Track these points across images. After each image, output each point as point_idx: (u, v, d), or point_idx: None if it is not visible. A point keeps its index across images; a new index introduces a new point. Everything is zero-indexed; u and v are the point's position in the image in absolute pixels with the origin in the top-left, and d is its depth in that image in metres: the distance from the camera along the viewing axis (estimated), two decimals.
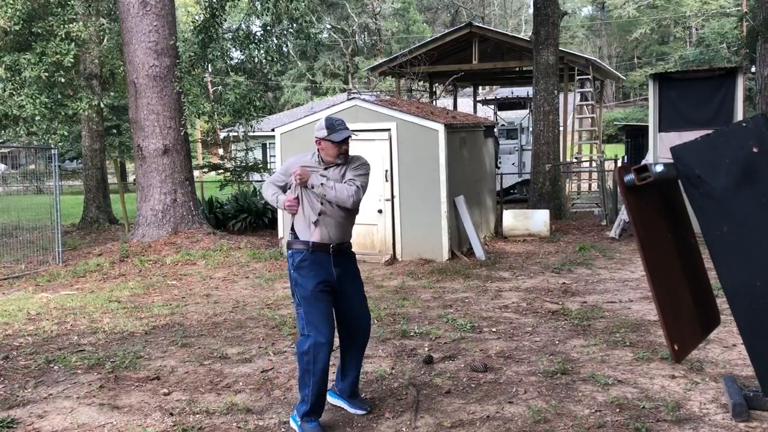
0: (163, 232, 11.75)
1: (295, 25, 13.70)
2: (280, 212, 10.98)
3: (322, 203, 4.29)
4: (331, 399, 4.61)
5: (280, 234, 11.02)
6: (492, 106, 23.19)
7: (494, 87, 35.33)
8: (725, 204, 3.80)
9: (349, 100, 10.89)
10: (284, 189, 4.50)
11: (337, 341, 4.43)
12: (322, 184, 4.24)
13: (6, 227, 12.86)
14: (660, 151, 11.19)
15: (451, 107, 22.25)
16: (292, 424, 4.34)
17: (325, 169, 4.35)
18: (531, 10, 31.94)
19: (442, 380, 5.08)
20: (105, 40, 15.71)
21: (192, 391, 5.05)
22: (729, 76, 11.23)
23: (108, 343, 6.35)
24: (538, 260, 10.02)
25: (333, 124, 4.30)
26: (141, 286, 9.06)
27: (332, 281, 4.28)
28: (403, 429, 4.29)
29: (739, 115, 10.93)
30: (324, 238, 4.30)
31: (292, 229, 4.38)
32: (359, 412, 4.53)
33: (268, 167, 22.45)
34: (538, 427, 4.23)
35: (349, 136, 4.33)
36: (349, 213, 4.39)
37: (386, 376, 5.21)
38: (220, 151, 23.15)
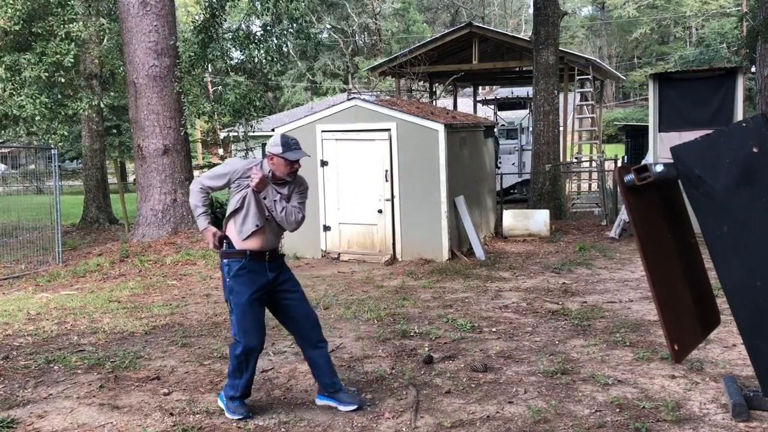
0: (163, 232, 11.75)
1: (295, 25, 13.71)
2: None
3: (269, 212, 4.44)
4: (319, 401, 4.69)
5: None
6: (492, 106, 23.19)
7: (494, 87, 35.33)
8: (725, 204, 3.80)
9: (349, 100, 10.89)
10: (211, 190, 4.57)
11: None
12: (275, 200, 4.42)
13: (6, 227, 12.87)
14: (660, 151, 11.19)
15: (451, 107, 22.25)
16: (219, 403, 4.63)
17: (276, 184, 4.47)
18: (531, 10, 31.94)
19: (442, 380, 5.08)
20: (105, 40, 15.73)
21: (192, 391, 5.05)
22: (729, 76, 11.22)
23: (108, 343, 6.35)
24: (538, 260, 10.02)
25: (288, 143, 4.40)
26: (141, 286, 9.06)
27: (268, 287, 4.46)
28: (403, 429, 4.29)
29: (739, 115, 10.93)
30: (263, 246, 4.44)
31: (227, 239, 4.47)
32: (349, 408, 4.56)
33: None
34: (538, 427, 4.23)
35: (300, 158, 4.43)
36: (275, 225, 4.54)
37: (386, 376, 5.21)
38: (220, 151, 23.17)
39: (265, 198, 4.41)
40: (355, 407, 4.56)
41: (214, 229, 4.51)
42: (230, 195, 4.50)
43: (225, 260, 4.45)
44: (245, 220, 4.40)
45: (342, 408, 4.57)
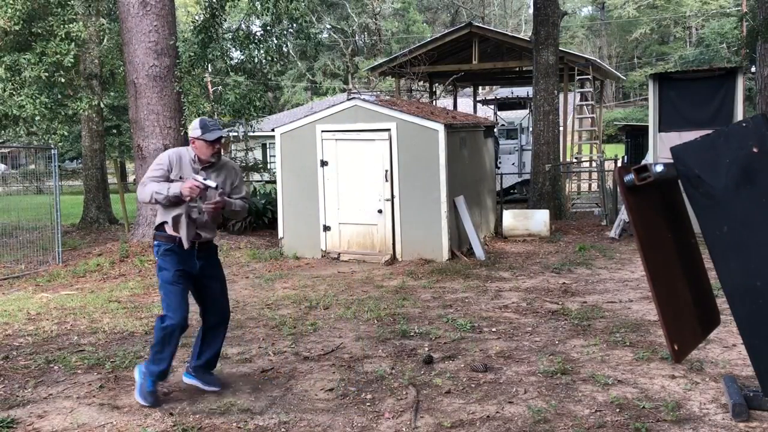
0: None
1: (295, 25, 13.71)
2: (280, 212, 10.98)
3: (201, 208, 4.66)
4: (186, 379, 5.03)
5: (281, 234, 11.02)
6: (492, 106, 23.19)
7: (494, 87, 35.33)
8: (725, 204, 3.80)
9: (349, 100, 10.89)
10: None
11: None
12: (228, 203, 4.69)
13: (6, 227, 12.87)
14: (660, 151, 11.19)
15: (451, 107, 22.25)
16: (136, 376, 4.80)
17: (204, 169, 4.68)
18: (531, 10, 31.93)
19: (442, 380, 5.08)
20: (105, 40, 15.72)
21: (192, 391, 5.05)
22: (729, 76, 11.22)
23: (108, 343, 6.35)
24: (538, 260, 10.02)
25: (206, 124, 4.62)
26: (141, 286, 9.06)
27: (194, 271, 4.74)
28: (403, 429, 4.29)
29: (739, 115, 10.93)
30: (192, 236, 4.68)
31: (161, 223, 4.70)
32: (213, 388, 4.94)
33: (268, 167, 22.44)
34: (538, 427, 4.23)
35: (222, 137, 4.68)
36: (216, 217, 4.80)
37: (386, 376, 5.21)
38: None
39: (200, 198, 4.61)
40: (218, 389, 4.94)
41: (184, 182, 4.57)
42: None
43: (156, 241, 4.73)
44: (176, 211, 4.61)
45: (205, 387, 4.94)
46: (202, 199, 4.61)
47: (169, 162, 4.64)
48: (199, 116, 12.61)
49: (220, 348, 5.06)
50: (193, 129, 4.63)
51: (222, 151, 4.73)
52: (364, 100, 10.95)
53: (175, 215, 4.60)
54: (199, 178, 4.55)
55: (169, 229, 4.65)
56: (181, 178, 4.60)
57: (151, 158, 11.82)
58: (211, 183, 4.55)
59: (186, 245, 4.61)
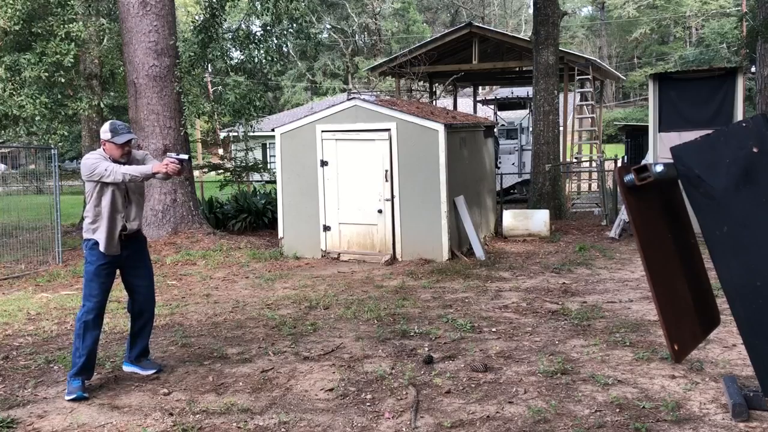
0: (163, 232, 11.75)
1: (295, 25, 13.70)
2: (280, 212, 10.98)
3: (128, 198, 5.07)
4: (125, 368, 5.41)
5: (281, 234, 11.02)
6: (492, 106, 23.19)
7: (494, 87, 35.33)
8: (725, 204, 3.80)
9: (349, 100, 10.89)
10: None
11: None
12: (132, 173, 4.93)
13: (6, 227, 12.86)
14: (660, 151, 11.19)
15: (451, 107, 22.25)
16: (68, 382, 5.00)
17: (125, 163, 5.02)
18: (531, 10, 31.93)
19: (442, 380, 5.08)
20: (105, 40, 15.71)
21: (192, 391, 5.05)
22: (729, 76, 11.22)
23: (108, 343, 6.35)
24: (538, 260, 10.02)
25: (116, 128, 4.97)
26: None
27: (119, 263, 5.10)
28: (403, 429, 4.29)
29: (739, 115, 10.93)
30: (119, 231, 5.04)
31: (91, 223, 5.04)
32: (150, 371, 5.33)
33: (268, 167, 22.44)
34: (538, 427, 4.23)
35: (131, 140, 5.01)
36: (142, 206, 5.23)
37: (386, 376, 5.21)
38: (220, 151, 23.17)
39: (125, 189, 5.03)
40: (155, 371, 5.33)
41: (159, 164, 4.94)
42: (86, 183, 5.03)
43: (87, 236, 5.06)
44: (102, 206, 4.97)
45: (143, 372, 5.31)
46: (180, 173, 4.99)
47: (102, 156, 4.98)
48: (199, 116, 12.66)
49: (149, 337, 5.44)
50: (104, 132, 4.97)
51: (131, 150, 5.07)
52: (364, 100, 10.95)
53: (106, 227, 4.95)
54: (173, 155, 4.91)
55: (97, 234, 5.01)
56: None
57: None
58: (184, 156, 4.91)
59: (107, 250, 4.97)
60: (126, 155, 5.02)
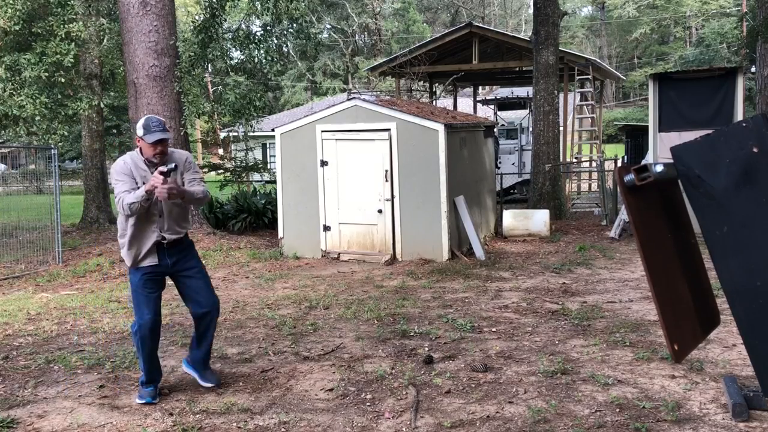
0: None
1: (295, 25, 13.71)
2: (280, 212, 10.98)
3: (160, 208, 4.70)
4: (185, 368, 5.16)
5: (281, 234, 11.02)
6: (492, 106, 23.19)
7: (494, 87, 35.33)
8: (725, 204, 3.80)
9: (349, 100, 10.89)
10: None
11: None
12: (189, 194, 4.66)
13: (6, 227, 12.86)
14: (660, 151, 11.19)
15: (451, 107, 22.24)
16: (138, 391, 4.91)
17: (154, 166, 4.61)
18: (531, 10, 31.93)
19: (442, 380, 5.08)
20: (105, 40, 15.71)
21: (192, 391, 5.05)
22: (729, 76, 11.22)
23: (108, 343, 6.35)
24: (538, 260, 10.02)
25: (149, 125, 4.56)
26: None
27: (166, 271, 4.82)
28: (403, 429, 4.29)
29: (739, 115, 10.93)
30: (159, 238, 4.75)
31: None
32: (209, 385, 5.02)
33: (268, 167, 22.44)
34: (538, 427, 4.23)
35: (162, 139, 4.56)
36: (183, 214, 4.84)
37: (386, 376, 5.21)
38: (220, 151, 23.17)
39: (181, 197, 4.61)
40: (212, 385, 5.02)
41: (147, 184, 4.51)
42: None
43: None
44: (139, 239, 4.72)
45: (201, 382, 5.03)
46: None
47: (126, 169, 4.63)
48: (199, 116, 12.66)
49: (212, 340, 5.10)
50: (138, 127, 4.62)
51: (166, 151, 4.68)
52: (364, 100, 10.95)
53: (132, 240, 4.71)
54: (159, 174, 4.50)
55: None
56: (144, 183, 4.58)
57: None
58: (170, 166, 4.51)
59: (135, 263, 4.77)
60: (159, 155, 4.61)
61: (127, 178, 4.60)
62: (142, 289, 4.75)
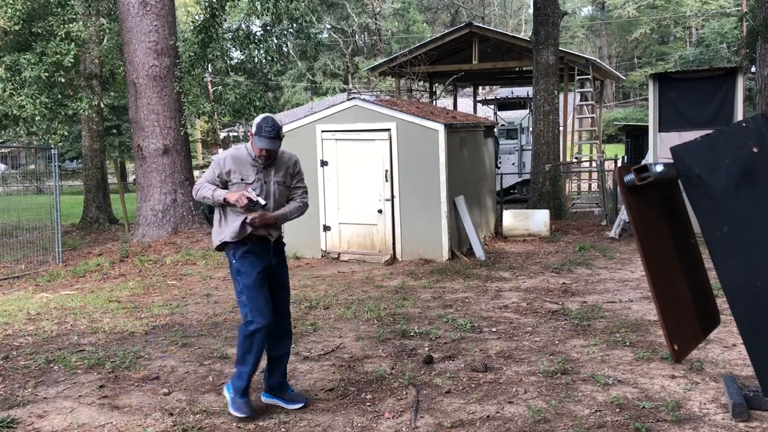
0: (163, 232, 11.75)
1: (295, 25, 13.71)
2: None
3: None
4: (264, 399, 4.72)
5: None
6: (492, 106, 23.20)
7: (494, 87, 35.33)
8: (725, 204, 3.80)
9: (349, 100, 10.89)
10: (219, 187, 4.50)
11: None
12: (282, 217, 4.53)
13: (6, 227, 12.86)
14: (660, 151, 11.19)
15: (451, 107, 22.24)
16: (225, 394, 4.57)
17: (265, 168, 4.47)
18: (531, 10, 31.93)
19: (442, 380, 5.08)
20: (105, 40, 15.72)
21: (192, 391, 5.05)
22: (729, 76, 11.22)
23: (108, 343, 6.35)
24: (538, 260, 10.02)
25: (261, 127, 4.33)
26: (141, 286, 9.06)
27: (271, 271, 4.54)
28: (403, 429, 4.29)
29: (739, 115, 10.92)
30: (266, 233, 4.53)
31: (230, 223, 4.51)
32: (297, 405, 4.64)
33: None
34: (538, 427, 4.23)
35: (267, 149, 4.35)
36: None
37: (386, 376, 5.21)
38: (220, 151, 23.17)
39: (261, 193, 4.43)
40: (302, 405, 4.64)
41: (233, 192, 4.38)
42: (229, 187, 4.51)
43: (230, 244, 4.50)
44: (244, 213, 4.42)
45: (288, 406, 4.63)
46: (248, 210, 4.40)
47: (224, 163, 4.46)
48: (199, 116, 12.65)
49: (288, 357, 4.77)
50: (253, 124, 4.42)
51: (273, 156, 4.46)
52: (364, 100, 10.94)
53: (237, 224, 4.42)
54: (252, 193, 4.35)
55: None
56: (242, 179, 4.42)
57: (151, 158, 11.86)
58: (261, 201, 4.36)
59: (239, 235, 4.41)
60: (263, 158, 4.41)
61: (217, 170, 4.46)
62: (260, 288, 4.44)
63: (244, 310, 4.47)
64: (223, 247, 4.55)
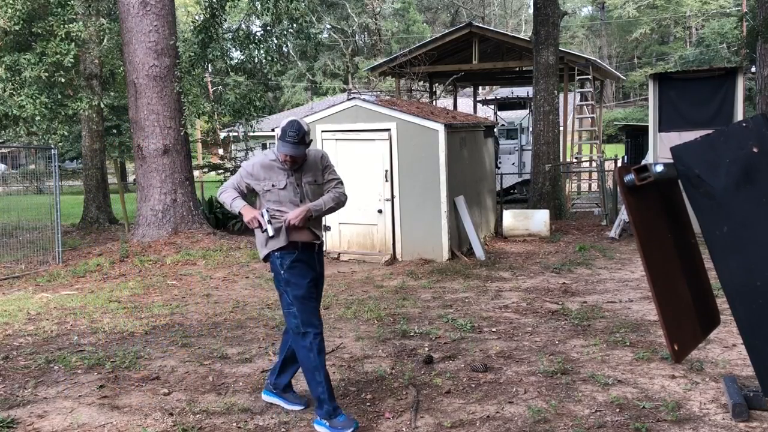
0: (163, 232, 11.75)
1: (295, 25, 13.70)
2: None
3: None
4: (265, 397, 4.73)
5: None
6: (492, 106, 23.20)
7: (494, 87, 35.33)
8: (725, 204, 3.80)
9: (349, 100, 10.89)
10: (243, 194, 4.45)
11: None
12: (316, 209, 4.34)
13: (6, 227, 12.86)
14: (660, 151, 11.19)
15: (451, 107, 22.24)
16: (318, 428, 4.29)
17: (294, 170, 4.35)
18: (531, 10, 31.93)
19: (442, 380, 5.08)
20: (105, 40, 15.71)
21: (192, 391, 5.05)
22: (729, 76, 11.22)
23: (108, 343, 6.35)
24: (538, 260, 10.02)
25: (285, 133, 4.21)
26: (141, 286, 9.06)
27: (317, 277, 4.47)
28: (403, 429, 4.29)
29: (739, 115, 10.93)
30: (312, 238, 4.42)
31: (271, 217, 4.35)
32: (297, 407, 4.62)
33: None
34: (538, 427, 4.23)
35: (291, 155, 4.24)
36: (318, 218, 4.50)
37: (386, 376, 5.21)
38: (220, 151, 23.16)
39: (311, 217, 4.33)
40: (303, 407, 4.62)
41: (251, 208, 4.35)
42: (261, 197, 4.41)
43: (276, 253, 4.34)
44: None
45: (288, 406, 4.62)
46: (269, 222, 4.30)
47: (253, 170, 4.37)
48: (199, 116, 12.65)
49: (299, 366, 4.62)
50: (277, 129, 4.34)
51: (298, 162, 4.34)
52: (364, 100, 10.95)
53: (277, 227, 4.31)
54: (265, 217, 4.26)
55: (289, 234, 4.34)
56: (273, 185, 4.32)
57: (151, 158, 11.85)
58: (270, 231, 4.25)
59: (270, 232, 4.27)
60: (288, 163, 4.29)
61: (244, 174, 4.39)
62: (310, 299, 4.33)
63: (294, 321, 4.31)
64: (269, 257, 4.40)
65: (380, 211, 10.29)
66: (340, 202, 4.49)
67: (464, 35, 19.86)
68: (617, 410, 4.44)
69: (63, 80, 13.31)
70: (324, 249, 4.72)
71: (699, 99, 11.22)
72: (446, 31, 24.34)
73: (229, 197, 4.42)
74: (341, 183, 4.53)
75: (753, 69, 16.02)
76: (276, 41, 13.43)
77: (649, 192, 3.99)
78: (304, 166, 4.40)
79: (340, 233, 10.57)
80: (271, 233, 4.27)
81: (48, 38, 12.72)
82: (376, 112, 10.32)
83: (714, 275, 4.02)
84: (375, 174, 10.29)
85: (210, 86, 15.97)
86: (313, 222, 4.40)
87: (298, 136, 4.20)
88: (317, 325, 4.32)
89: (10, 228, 12.96)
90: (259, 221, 4.27)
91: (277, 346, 6.05)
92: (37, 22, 13.06)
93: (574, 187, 20.77)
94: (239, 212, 4.35)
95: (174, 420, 4.51)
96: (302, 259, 4.35)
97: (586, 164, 20.50)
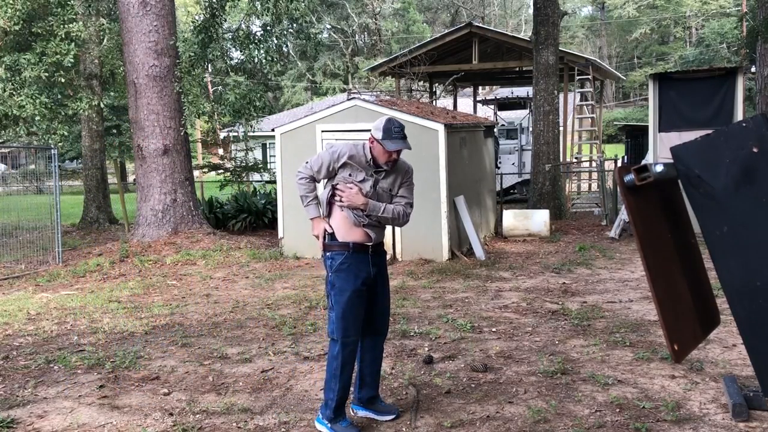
0: (163, 232, 11.75)
1: (295, 25, 13.71)
2: (280, 212, 10.96)
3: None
4: (358, 412, 4.50)
5: (280, 234, 11.01)
6: (492, 106, 23.20)
7: (494, 87, 35.33)
8: (725, 204, 3.80)
9: (349, 100, 10.89)
10: (325, 176, 4.28)
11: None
12: (374, 208, 4.18)
13: (6, 227, 12.86)
14: (660, 151, 11.19)
15: (451, 107, 22.24)
16: (319, 427, 4.28)
17: (376, 172, 4.22)
18: (531, 10, 31.93)
19: (442, 380, 5.08)
20: (105, 40, 15.72)
21: (192, 391, 5.05)
22: (729, 76, 11.22)
23: (108, 343, 6.35)
24: (538, 260, 10.02)
25: (390, 129, 4.10)
26: (141, 286, 9.06)
27: (370, 281, 4.23)
28: (403, 429, 4.29)
29: (739, 115, 10.93)
30: (366, 239, 4.24)
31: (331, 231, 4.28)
32: (388, 417, 4.43)
33: (268, 167, 22.44)
34: (538, 427, 4.23)
35: (401, 149, 4.15)
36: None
37: (386, 376, 5.21)
38: (220, 151, 23.16)
39: (368, 194, 4.19)
40: (394, 416, 4.43)
41: (324, 222, 4.29)
42: (330, 181, 4.28)
43: (328, 253, 4.26)
44: (345, 215, 4.23)
45: (380, 418, 4.42)
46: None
47: (340, 155, 4.19)
48: (199, 116, 12.65)
49: (381, 365, 4.53)
50: (376, 129, 4.14)
51: (397, 160, 4.23)
52: (364, 100, 10.95)
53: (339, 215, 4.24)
54: (328, 228, 4.23)
55: (341, 233, 4.24)
56: (350, 174, 4.19)
57: (151, 158, 11.85)
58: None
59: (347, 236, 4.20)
60: (392, 163, 4.19)
61: (339, 158, 4.19)
62: (352, 307, 4.15)
63: (330, 326, 4.22)
64: (324, 249, 4.30)
65: None
66: (398, 218, 4.26)
67: (464, 35, 19.86)
68: (617, 410, 4.44)
69: (63, 80, 13.30)
70: (387, 256, 4.48)
71: (699, 99, 11.22)
72: (446, 31, 24.34)
73: (305, 192, 4.28)
74: (411, 205, 4.32)
75: (753, 69, 16.03)
76: (276, 41, 13.42)
77: (649, 192, 3.99)
78: (390, 170, 4.26)
79: None
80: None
81: (48, 38, 12.71)
82: (376, 112, 10.31)
83: (714, 275, 4.02)
84: None
85: (210, 86, 15.97)
86: (368, 224, 4.23)
87: (403, 131, 4.15)
88: (350, 335, 4.15)
89: (10, 228, 12.96)
90: (320, 238, 4.24)
91: (277, 346, 6.05)
92: (37, 22, 13.06)
93: (574, 187, 20.77)
94: (309, 218, 4.30)
95: (174, 420, 4.51)
96: (351, 262, 4.18)
97: (586, 164, 20.50)
